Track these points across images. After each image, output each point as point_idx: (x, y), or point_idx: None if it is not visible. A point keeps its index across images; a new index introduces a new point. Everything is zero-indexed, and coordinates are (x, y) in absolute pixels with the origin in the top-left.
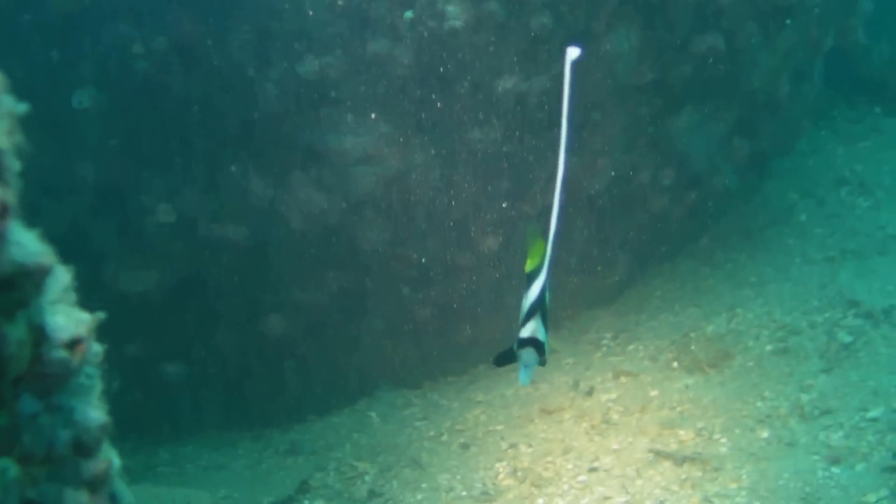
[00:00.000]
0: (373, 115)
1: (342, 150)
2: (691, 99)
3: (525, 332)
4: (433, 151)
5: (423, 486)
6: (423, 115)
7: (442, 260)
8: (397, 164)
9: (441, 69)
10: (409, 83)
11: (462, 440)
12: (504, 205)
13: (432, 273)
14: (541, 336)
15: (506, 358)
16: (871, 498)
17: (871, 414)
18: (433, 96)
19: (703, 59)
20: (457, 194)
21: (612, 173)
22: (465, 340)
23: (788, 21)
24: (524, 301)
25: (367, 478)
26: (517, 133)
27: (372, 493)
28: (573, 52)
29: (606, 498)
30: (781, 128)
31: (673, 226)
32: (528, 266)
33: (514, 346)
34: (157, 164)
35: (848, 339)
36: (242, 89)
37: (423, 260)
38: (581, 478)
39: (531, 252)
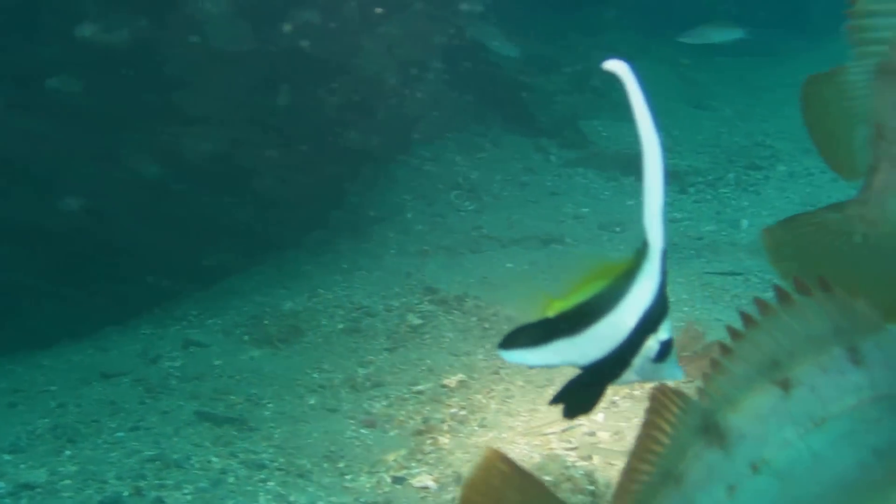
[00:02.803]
0: None
1: None
2: (292, 76)
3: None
4: (9, 100)
5: None
6: None
7: (21, 220)
8: None
9: (17, 10)
10: None
11: (12, 400)
12: (89, 164)
13: (18, 234)
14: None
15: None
16: (391, 456)
17: (419, 387)
18: (9, 39)
19: (299, 34)
20: (37, 149)
21: (210, 146)
22: (44, 309)
23: (379, 10)
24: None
25: None
26: (100, 87)
27: None
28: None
29: (137, 451)
30: (393, 125)
31: (281, 212)
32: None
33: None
34: None
35: (417, 321)
36: None
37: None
38: (119, 434)
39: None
